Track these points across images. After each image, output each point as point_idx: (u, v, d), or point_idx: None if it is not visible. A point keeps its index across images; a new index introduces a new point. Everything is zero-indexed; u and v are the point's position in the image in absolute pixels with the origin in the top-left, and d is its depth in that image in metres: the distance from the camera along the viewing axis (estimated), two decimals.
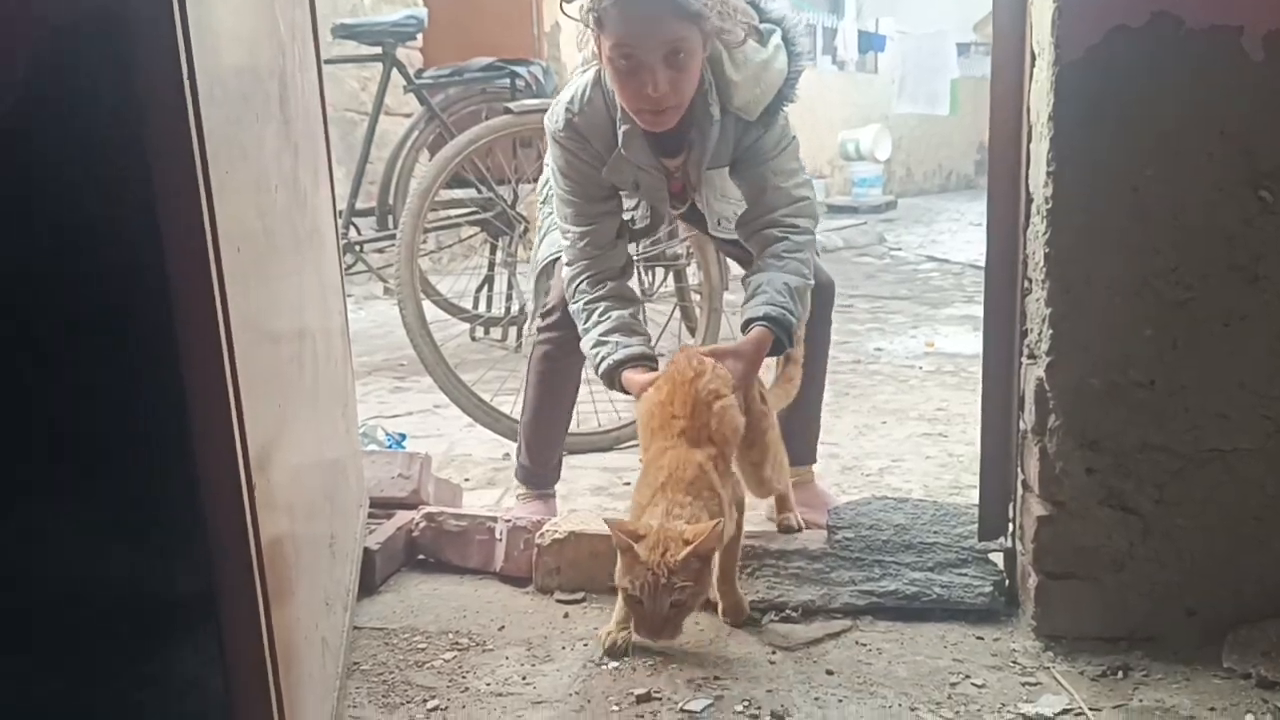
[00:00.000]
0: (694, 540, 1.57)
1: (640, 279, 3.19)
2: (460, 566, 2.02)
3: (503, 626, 1.78)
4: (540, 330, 2.26)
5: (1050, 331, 1.58)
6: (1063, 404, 1.59)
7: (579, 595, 1.89)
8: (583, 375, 2.23)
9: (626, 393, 1.95)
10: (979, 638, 1.71)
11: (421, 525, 2.05)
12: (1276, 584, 1.59)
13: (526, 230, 4.09)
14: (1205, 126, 1.50)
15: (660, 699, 1.54)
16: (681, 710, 1.51)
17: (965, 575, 1.80)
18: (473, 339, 4.40)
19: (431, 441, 3.20)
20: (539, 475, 2.28)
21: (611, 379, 1.95)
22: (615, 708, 1.52)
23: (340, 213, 4.28)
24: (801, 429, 2.31)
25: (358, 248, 4.23)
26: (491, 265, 4.46)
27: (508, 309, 4.23)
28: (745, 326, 1.93)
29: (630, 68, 1.82)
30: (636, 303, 2.05)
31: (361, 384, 3.98)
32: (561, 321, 2.13)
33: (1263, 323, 1.53)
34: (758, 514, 2.10)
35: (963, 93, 11.24)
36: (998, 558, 1.83)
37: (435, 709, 1.52)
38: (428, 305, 4.11)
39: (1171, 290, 1.54)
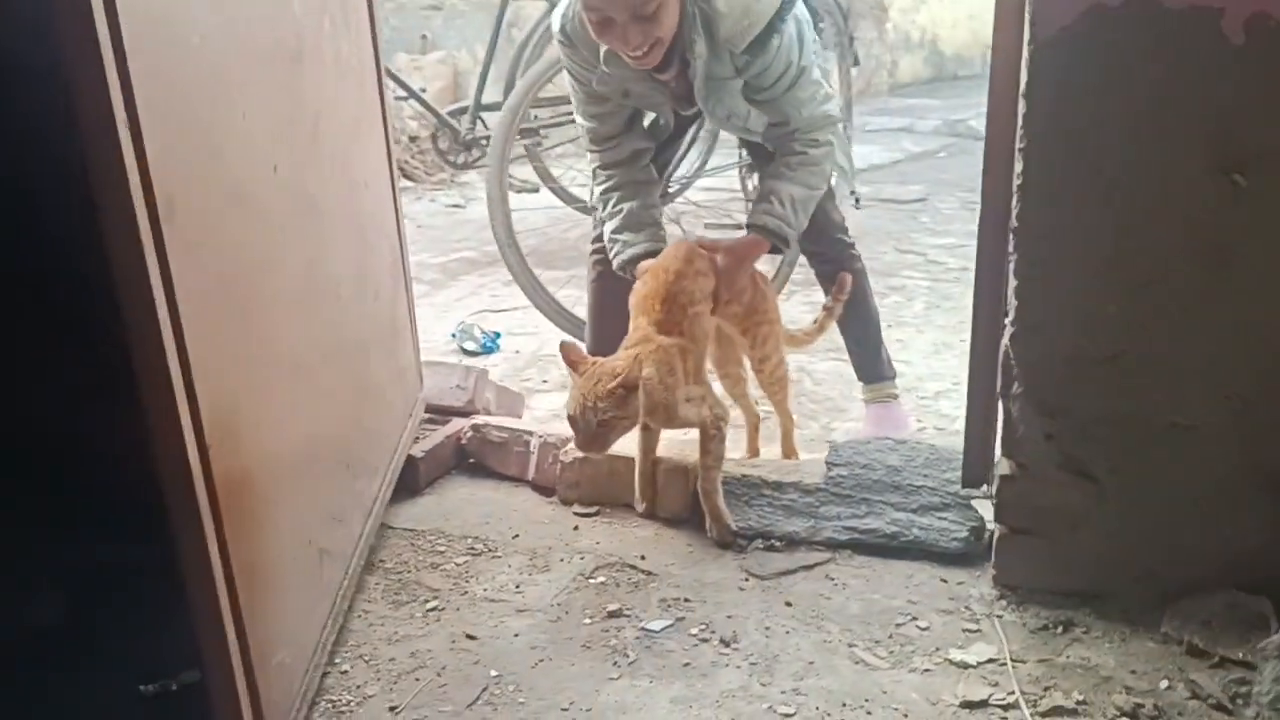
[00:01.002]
0: (621, 373, 1.81)
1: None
2: (501, 474, 2.26)
3: (517, 535, 2.01)
4: (593, 248, 2.43)
5: (1016, 302, 1.63)
6: (1025, 372, 1.65)
7: (594, 509, 2.09)
8: None
9: None
10: (943, 580, 1.82)
11: (469, 434, 2.29)
12: (1227, 559, 1.63)
13: None
14: (1181, 109, 1.48)
15: (629, 616, 1.74)
16: (642, 628, 1.70)
17: (945, 519, 1.90)
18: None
19: (525, 339, 3.43)
20: None
21: (625, 274, 2.19)
22: (588, 620, 1.73)
23: (467, 107, 4.50)
24: (857, 348, 2.52)
25: (484, 141, 4.43)
26: None
27: None
28: (747, 227, 2.13)
29: (601, 23, 1.93)
30: (648, 186, 2.26)
31: (479, 275, 4.26)
32: None
33: (1228, 307, 1.53)
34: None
35: None
36: (986, 505, 1.92)
37: (434, 609, 1.76)
38: (546, 193, 4.34)
39: (1138, 269, 1.56)
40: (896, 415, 2.54)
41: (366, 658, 1.64)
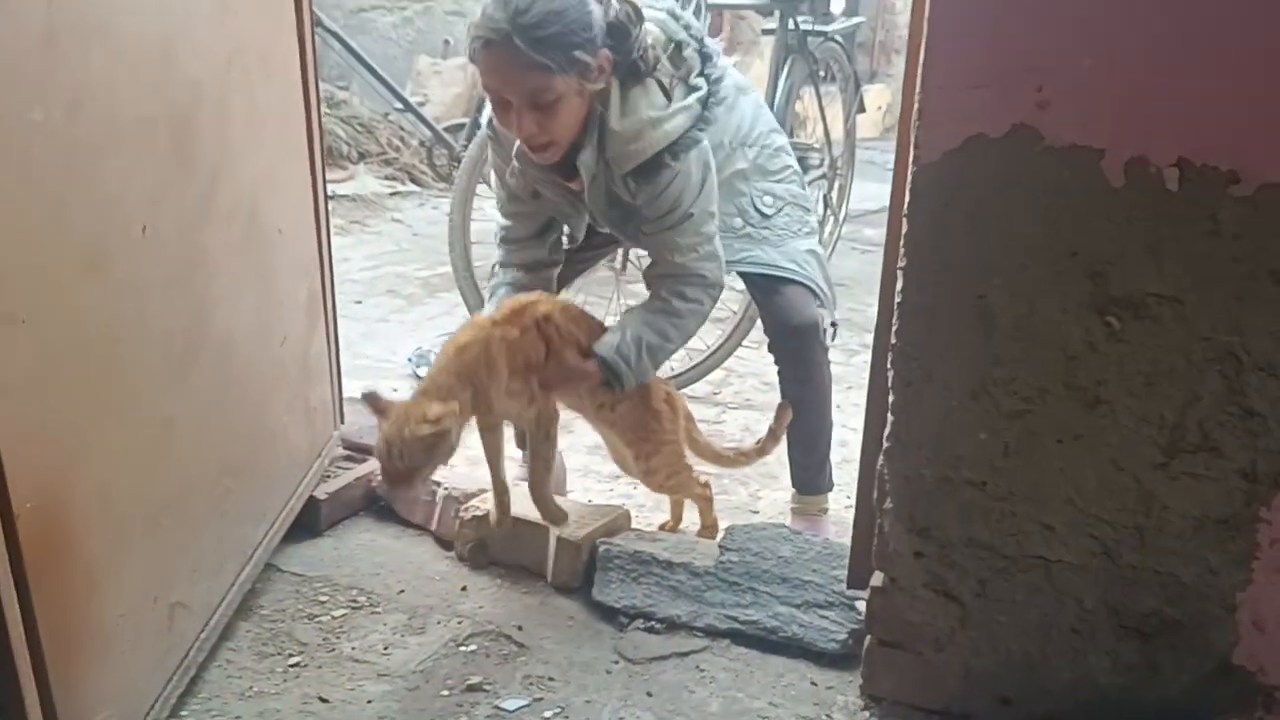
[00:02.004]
0: (432, 423, 1.76)
1: None
2: (407, 521, 2.27)
3: (403, 590, 2.02)
4: None
5: (891, 418, 1.61)
6: (896, 489, 1.63)
7: (488, 570, 2.09)
8: None
9: None
10: (813, 683, 1.80)
11: (379, 477, 2.30)
12: (1086, 696, 1.61)
13: None
14: (1058, 244, 1.46)
15: (488, 691, 1.74)
16: (496, 706, 1.70)
17: (827, 619, 1.89)
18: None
19: None
20: None
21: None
22: (445, 693, 1.73)
23: (464, 124, 4.53)
24: (801, 458, 2.39)
25: None
26: None
27: None
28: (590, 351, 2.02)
29: (498, 104, 1.89)
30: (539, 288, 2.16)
31: (458, 294, 4.26)
32: None
33: (1098, 445, 1.51)
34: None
35: None
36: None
37: (296, 665, 1.78)
38: None
39: (1009, 399, 1.53)
40: (820, 529, 2.44)
41: (214, 712, 1.65)
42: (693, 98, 1.95)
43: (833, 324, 2.33)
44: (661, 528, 2.33)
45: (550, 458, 2.03)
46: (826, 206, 4.44)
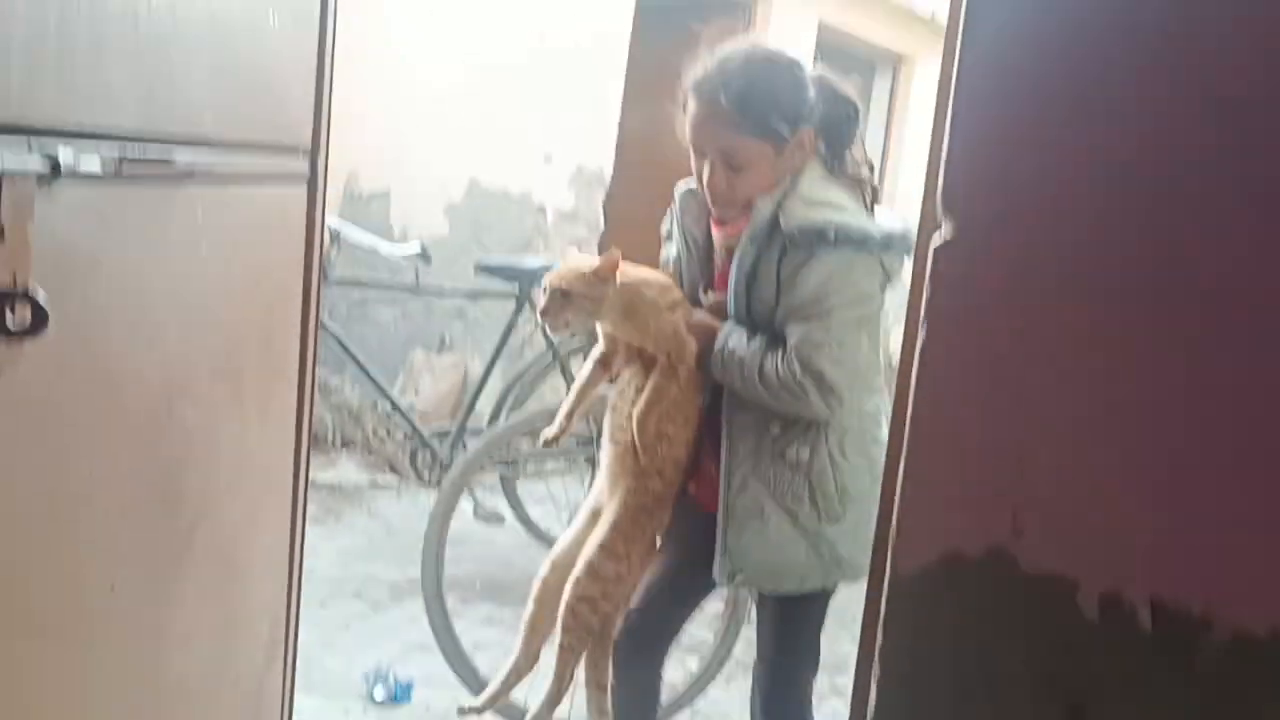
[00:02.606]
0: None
1: None
2: None
3: None
4: None
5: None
6: None
7: None
8: None
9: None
10: None
11: None
12: None
13: None
14: (1032, 669, 1.44)
15: None
16: None
17: None
18: None
19: (441, 693, 3.31)
20: None
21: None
22: None
23: (450, 431, 4.60)
24: None
25: None
26: None
27: None
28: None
29: (696, 152, 2.09)
30: None
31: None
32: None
33: None
34: None
35: None
36: None
37: None
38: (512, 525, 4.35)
39: None
40: None
41: None
42: (885, 226, 2.04)
43: None
44: None
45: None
46: None
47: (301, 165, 1.85)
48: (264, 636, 2.04)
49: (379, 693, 3.15)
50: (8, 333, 1.11)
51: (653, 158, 7.18)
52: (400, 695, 3.17)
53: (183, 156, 1.36)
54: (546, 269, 4.67)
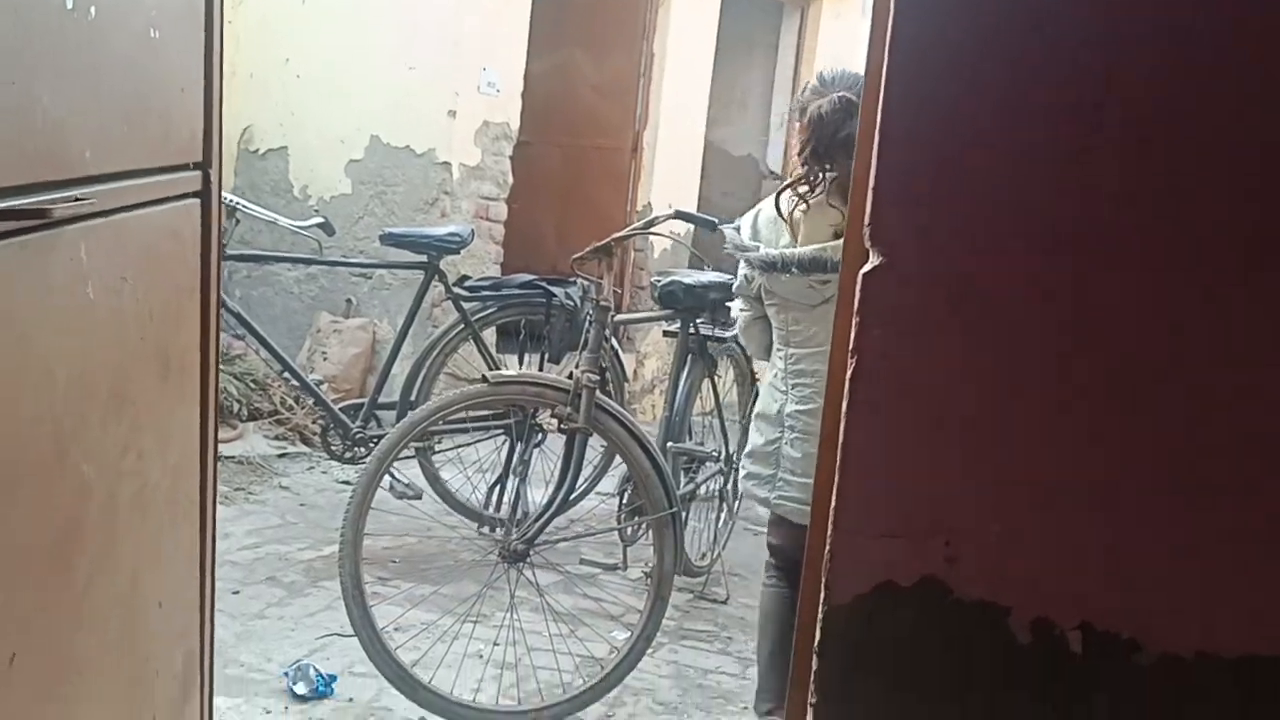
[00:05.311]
0: None
1: None
2: None
3: None
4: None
5: None
6: None
7: None
8: None
9: None
10: None
11: None
12: None
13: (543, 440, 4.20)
14: (966, 694, 1.45)
15: None
16: None
17: None
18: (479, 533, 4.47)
19: (363, 683, 3.26)
20: None
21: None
22: None
23: (363, 406, 4.49)
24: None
25: (374, 441, 4.39)
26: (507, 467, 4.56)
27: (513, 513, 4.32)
28: None
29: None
30: None
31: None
32: None
33: None
34: None
35: None
36: None
37: None
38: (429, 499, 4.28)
39: None
40: None
41: None
42: None
43: None
44: None
45: None
46: (722, 499, 4.48)
47: (193, 180, 1.74)
48: (179, 667, 1.96)
49: (301, 688, 3.08)
50: None
51: (560, 110, 7.06)
52: (322, 689, 3.11)
53: (61, 202, 1.25)
54: (455, 236, 4.59)
